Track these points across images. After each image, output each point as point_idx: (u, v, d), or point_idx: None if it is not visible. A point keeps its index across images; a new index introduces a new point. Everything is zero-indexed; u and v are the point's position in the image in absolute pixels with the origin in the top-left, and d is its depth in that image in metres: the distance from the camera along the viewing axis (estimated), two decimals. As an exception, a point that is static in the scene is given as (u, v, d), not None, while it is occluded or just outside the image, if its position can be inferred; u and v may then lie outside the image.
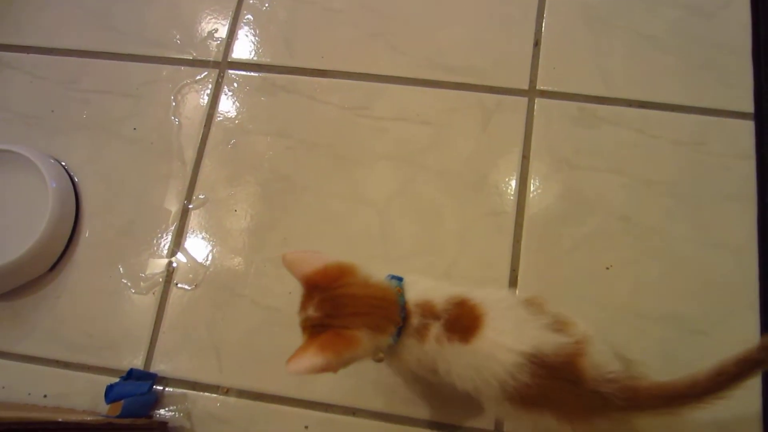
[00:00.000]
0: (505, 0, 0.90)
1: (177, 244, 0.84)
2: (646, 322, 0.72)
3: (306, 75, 0.90)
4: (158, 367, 0.78)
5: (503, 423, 0.70)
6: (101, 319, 0.81)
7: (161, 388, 0.76)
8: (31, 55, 0.97)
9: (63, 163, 0.89)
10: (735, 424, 0.67)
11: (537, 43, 0.87)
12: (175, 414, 0.75)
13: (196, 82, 0.92)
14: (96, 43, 0.96)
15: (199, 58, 0.94)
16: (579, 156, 0.81)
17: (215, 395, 0.76)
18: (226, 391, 0.76)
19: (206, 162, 0.88)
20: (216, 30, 0.95)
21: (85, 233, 0.86)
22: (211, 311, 0.80)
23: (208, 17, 0.96)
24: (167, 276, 0.82)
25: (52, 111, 0.93)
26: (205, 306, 0.80)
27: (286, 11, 0.95)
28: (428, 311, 0.54)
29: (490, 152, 0.83)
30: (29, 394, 0.78)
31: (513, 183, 0.81)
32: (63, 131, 0.91)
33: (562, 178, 0.80)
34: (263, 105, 0.90)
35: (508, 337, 0.52)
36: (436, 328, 0.54)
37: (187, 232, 0.84)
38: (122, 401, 0.70)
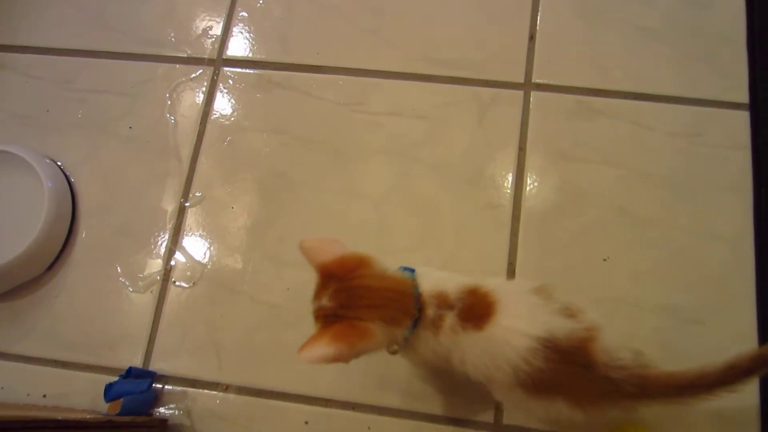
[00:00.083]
0: (499, -6, 0.90)
1: (174, 243, 0.84)
2: (643, 313, 0.72)
3: (301, 71, 0.90)
4: (157, 365, 0.78)
5: (502, 416, 0.70)
6: (99, 319, 0.81)
7: (161, 386, 0.76)
8: (25, 54, 0.97)
9: (59, 163, 0.89)
10: (733, 412, 0.67)
11: (532, 37, 0.87)
12: (175, 412, 0.75)
13: (192, 79, 0.92)
14: (91, 42, 0.96)
15: (194, 55, 0.93)
16: (575, 148, 0.81)
17: (215, 392, 0.76)
18: (226, 388, 0.76)
19: (202, 160, 0.87)
20: (210, 27, 0.95)
21: (82, 233, 0.86)
22: (210, 309, 0.80)
23: (203, 15, 0.96)
24: (165, 274, 0.82)
25: (48, 111, 0.93)
26: (203, 303, 0.80)
27: (281, 7, 0.95)
28: (442, 302, 0.54)
29: (486, 146, 0.83)
30: (28, 394, 0.78)
31: (509, 176, 0.81)
32: (58, 131, 0.91)
33: (559, 171, 0.80)
34: (259, 102, 0.90)
35: (521, 322, 0.52)
36: (450, 319, 0.54)
37: (184, 231, 0.84)
38: (121, 399, 0.70)
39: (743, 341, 0.70)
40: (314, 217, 0.82)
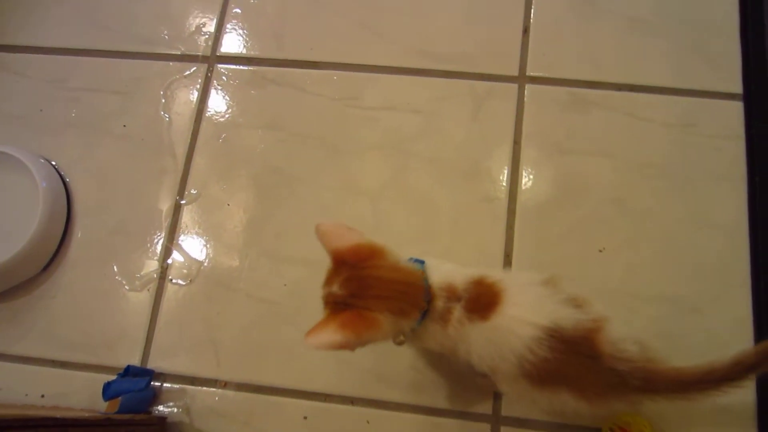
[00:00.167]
0: (492, -13, 0.90)
1: (170, 241, 0.83)
2: (640, 303, 0.73)
3: (295, 67, 0.90)
4: (155, 363, 0.78)
5: (501, 407, 0.70)
6: (97, 318, 0.81)
7: (159, 384, 0.76)
8: (18, 54, 0.96)
9: (53, 163, 0.88)
10: (730, 407, 0.68)
11: (526, 30, 0.88)
12: (174, 409, 0.75)
13: (186, 77, 0.92)
14: (84, 40, 0.96)
15: (188, 53, 0.93)
16: (570, 141, 0.81)
17: (214, 389, 0.76)
18: (225, 385, 0.76)
19: (197, 157, 0.87)
20: (204, 24, 0.95)
21: (78, 232, 0.85)
22: (207, 306, 0.79)
23: (196, 12, 0.96)
24: (162, 272, 0.82)
25: (41, 110, 0.92)
26: (200, 301, 0.80)
27: (274, 4, 0.95)
28: (451, 294, 0.54)
29: (481, 139, 0.83)
30: (26, 395, 0.78)
31: (505, 169, 0.81)
32: (52, 130, 0.91)
33: (554, 163, 0.80)
34: (253, 98, 0.90)
35: (527, 312, 0.52)
36: (458, 311, 0.54)
37: (180, 228, 0.84)
38: (120, 398, 0.70)
39: (740, 329, 0.70)
40: (310, 213, 0.82)
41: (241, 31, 0.94)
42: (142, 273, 0.82)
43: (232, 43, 0.93)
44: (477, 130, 0.83)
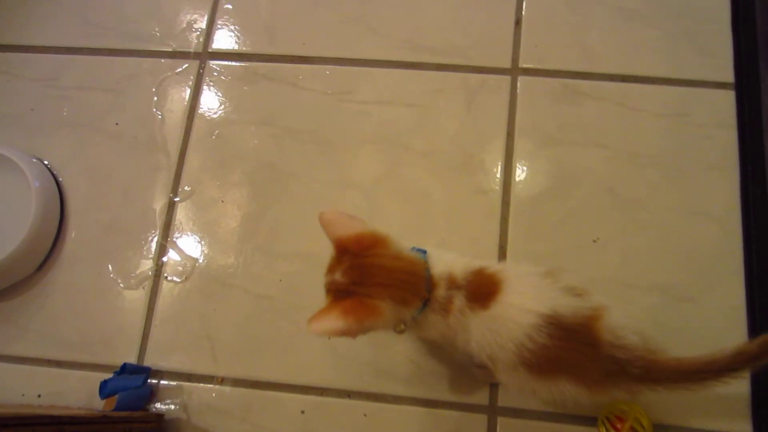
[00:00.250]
0: (484, -21, 0.90)
1: (165, 238, 0.83)
2: (635, 292, 0.73)
3: (288, 62, 0.90)
4: (152, 360, 0.77)
5: (497, 398, 0.71)
6: (92, 316, 0.81)
7: (156, 381, 0.76)
8: (8, 53, 0.95)
9: (45, 162, 0.88)
10: (725, 398, 0.68)
11: (518, 22, 0.87)
12: (171, 406, 0.75)
13: (177, 74, 0.92)
14: (74, 38, 0.95)
15: (180, 49, 0.93)
16: (563, 131, 0.81)
17: (211, 385, 0.76)
18: (221, 381, 0.76)
19: (191, 154, 0.87)
20: (195, 21, 0.94)
21: (72, 231, 0.85)
22: (203, 302, 0.79)
23: (187, 8, 0.95)
24: (157, 270, 0.82)
25: (32, 109, 0.92)
26: (196, 297, 0.80)
27: (265, -1, 0.94)
28: (452, 284, 0.55)
29: (474, 131, 0.83)
30: (23, 395, 0.78)
31: (498, 161, 0.81)
32: (44, 130, 0.90)
33: (547, 154, 0.81)
34: (246, 94, 0.89)
35: (526, 299, 0.53)
36: (459, 300, 0.54)
37: (174, 225, 0.84)
38: (117, 396, 0.70)
39: (734, 317, 0.71)
40: (305, 207, 0.82)
41: (232, 27, 0.93)
42: (137, 271, 0.82)
43: (224, 39, 0.93)
44: (470, 123, 0.83)
